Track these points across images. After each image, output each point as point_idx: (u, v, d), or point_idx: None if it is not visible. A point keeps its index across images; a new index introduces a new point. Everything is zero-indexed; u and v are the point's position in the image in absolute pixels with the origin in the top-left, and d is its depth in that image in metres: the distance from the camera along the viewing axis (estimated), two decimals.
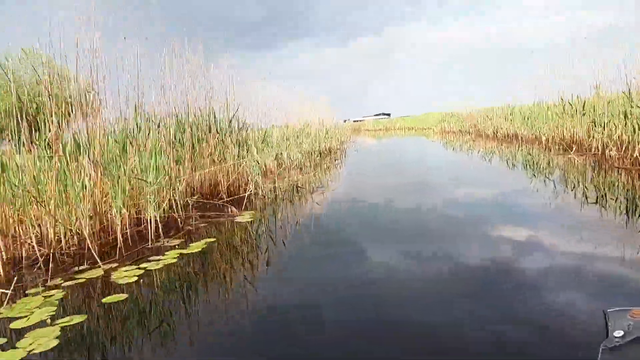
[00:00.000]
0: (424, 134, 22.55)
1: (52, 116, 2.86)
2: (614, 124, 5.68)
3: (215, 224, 3.84)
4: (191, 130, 5.00)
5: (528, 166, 6.54)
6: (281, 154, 8.32)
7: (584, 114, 7.16)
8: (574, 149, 6.42)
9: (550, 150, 8.02)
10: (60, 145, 2.91)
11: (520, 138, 10.71)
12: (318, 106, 14.32)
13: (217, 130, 5.32)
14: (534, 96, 11.81)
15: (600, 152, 6.01)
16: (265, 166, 7.55)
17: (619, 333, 1.14)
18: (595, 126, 6.18)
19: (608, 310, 1.32)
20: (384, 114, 69.77)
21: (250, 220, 3.91)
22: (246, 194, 4.90)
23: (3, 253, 2.54)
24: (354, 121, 65.72)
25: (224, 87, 5.90)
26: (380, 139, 25.09)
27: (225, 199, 5.00)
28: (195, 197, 4.54)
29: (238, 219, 3.96)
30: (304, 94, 13.44)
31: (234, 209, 4.43)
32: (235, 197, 5.05)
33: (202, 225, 3.82)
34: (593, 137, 6.25)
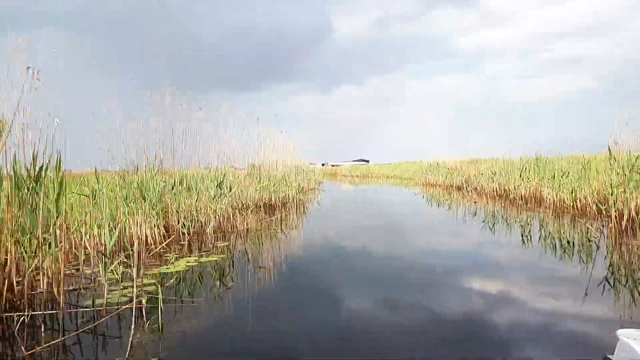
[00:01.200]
0: (404, 184, 19.56)
1: None
2: None
3: None
4: None
5: None
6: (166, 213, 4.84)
7: None
8: None
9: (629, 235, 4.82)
10: None
11: (553, 203, 7.50)
12: (282, 148, 11.73)
13: None
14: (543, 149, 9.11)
15: None
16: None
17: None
18: None
19: (618, 331, 1.26)
20: (362, 160, 68.31)
21: None
22: None
23: None
24: (332, 165, 63.64)
25: None
26: (356, 185, 21.99)
27: None
28: None
29: None
30: (270, 136, 10.81)
31: None
32: None
33: None
34: None
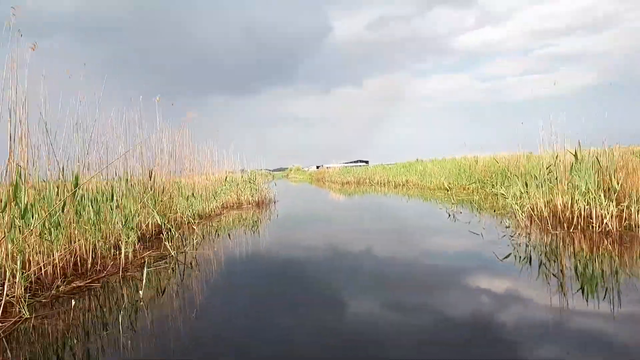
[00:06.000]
0: (443, 200, 9.73)
1: None
2: None
3: None
4: None
5: None
6: None
7: None
8: None
9: None
10: None
11: None
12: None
13: None
14: None
15: None
16: None
17: None
18: None
19: None
20: (361, 161, 59.08)
21: None
22: None
23: None
24: (327, 167, 54.46)
25: None
26: (349, 197, 12.22)
27: None
28: None
29: None
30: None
31: None
32: None
33: None
34: None
